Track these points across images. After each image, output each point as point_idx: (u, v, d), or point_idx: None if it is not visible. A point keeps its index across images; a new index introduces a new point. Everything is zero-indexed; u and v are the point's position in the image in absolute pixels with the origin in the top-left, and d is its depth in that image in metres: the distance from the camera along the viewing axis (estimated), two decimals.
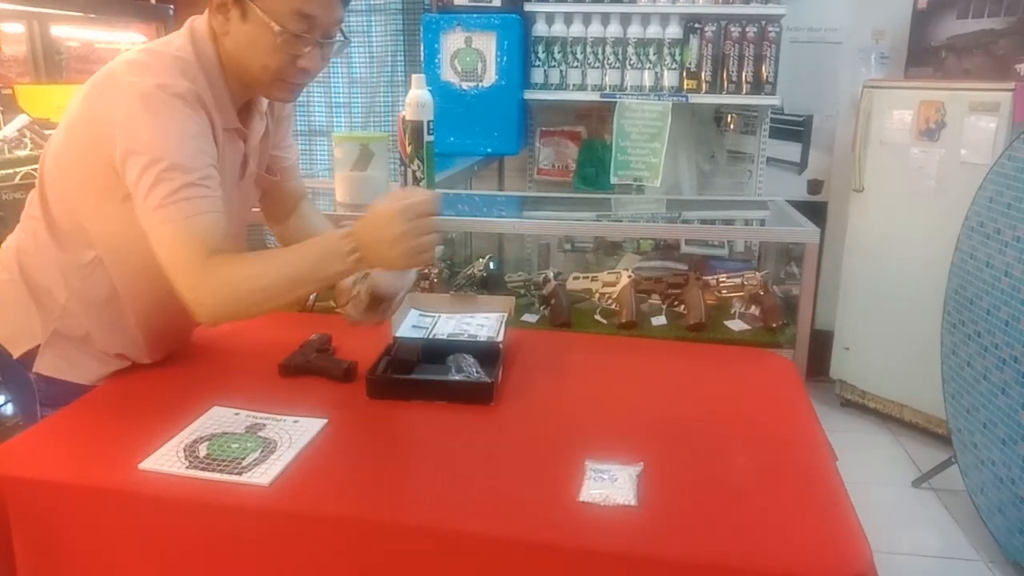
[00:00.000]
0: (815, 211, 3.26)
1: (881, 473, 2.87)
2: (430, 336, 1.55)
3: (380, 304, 1.42)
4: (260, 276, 1.22)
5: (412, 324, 1.61)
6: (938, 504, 2.67)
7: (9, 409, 2.69)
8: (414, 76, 2.01)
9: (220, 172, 1.30)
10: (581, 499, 1.05)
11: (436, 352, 1.46)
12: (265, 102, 1.44)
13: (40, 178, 1.37)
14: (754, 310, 2.09)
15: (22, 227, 1.41)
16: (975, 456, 2.42)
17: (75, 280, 1.35)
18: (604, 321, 2.06)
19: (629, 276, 2.12)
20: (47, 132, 2.60)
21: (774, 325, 2.01)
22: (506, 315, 1.62)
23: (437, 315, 1.65)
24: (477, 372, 1.38)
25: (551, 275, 2.20)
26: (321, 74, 3.41)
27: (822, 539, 1.00)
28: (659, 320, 2.09)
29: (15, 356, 1.37)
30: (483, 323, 1.60)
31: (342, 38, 1.36)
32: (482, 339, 1.53)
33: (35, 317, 1.36)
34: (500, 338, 1.52)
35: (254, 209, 1.61)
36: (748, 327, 2.06)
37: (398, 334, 1.53)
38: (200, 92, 1.26)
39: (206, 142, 1.25)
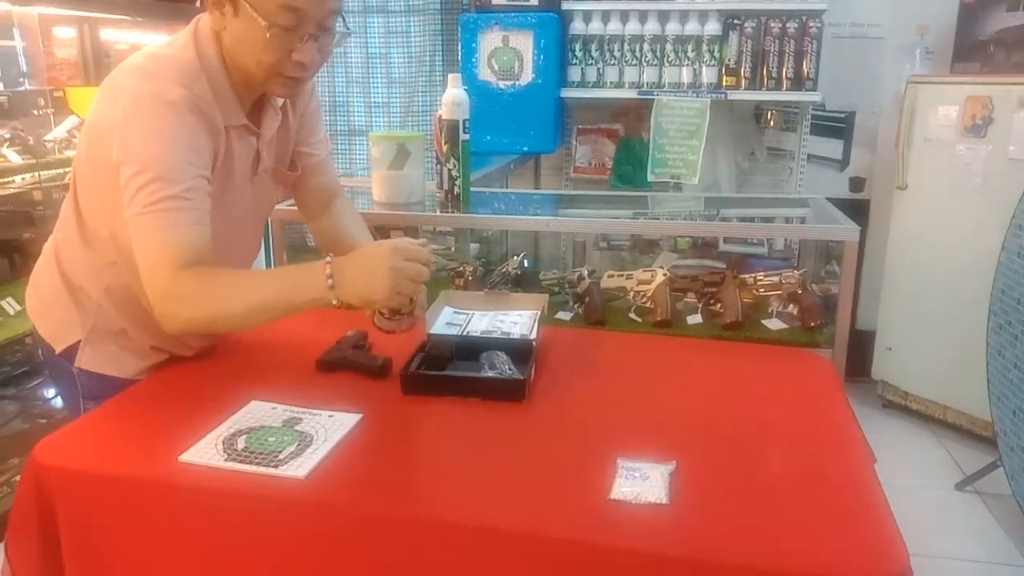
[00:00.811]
0: (857, 209, 3.21)
1: (923, 476, 2.81)
2: (464, 333, 1.56)
3: (401, 312, 1.40)
4: (229, 297, 1.24)
5: (446, 321, 1.62)
6: (983, 508, 2.61)
7: (58, 402, 2.77)
8: (450, 76, 2.03)
9: (229, 169, 1.33)
10: (612, 497, 1.05)
11: (469, 349, 1.47)
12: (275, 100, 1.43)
13: (72, 178, 1.41)
14: (792, 309, 2.07)
15: (59, 226, 1.45)
16: (1022, 459, 2.36)
17: (105, 278, 1.38)
18: (639, 319, 2.06)
19: (664, 274, 2.11)
20: None
21: (812, 324, 1.98)
22: (539, 313, 1.62)
23: (471, 313, 1.66)
24: (510, 369, 1.39)
25: (585, 273, 2.20)
26: (360, 74, 3.48)
27: (857, 542, 0.98)
28: (695, 319, 2.07)
29: (58, 351, 1.42)
30: (516, 320, 1.60)
31: (343, 29, 1.33)
32: (515, 336, 1.54)
33: (74, 314, 1.41)
34: (533, 336, 1.52)
35: (283, 206, 1.61)
36: (786, 326, 2.03)
37: (432, 331, 1.54)
38: (198, 96, 1.26)
39: (196, 153, 1.25)
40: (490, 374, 1.38)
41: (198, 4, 3.21)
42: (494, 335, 1.54)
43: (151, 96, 1.23)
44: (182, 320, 1.26)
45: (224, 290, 1.24)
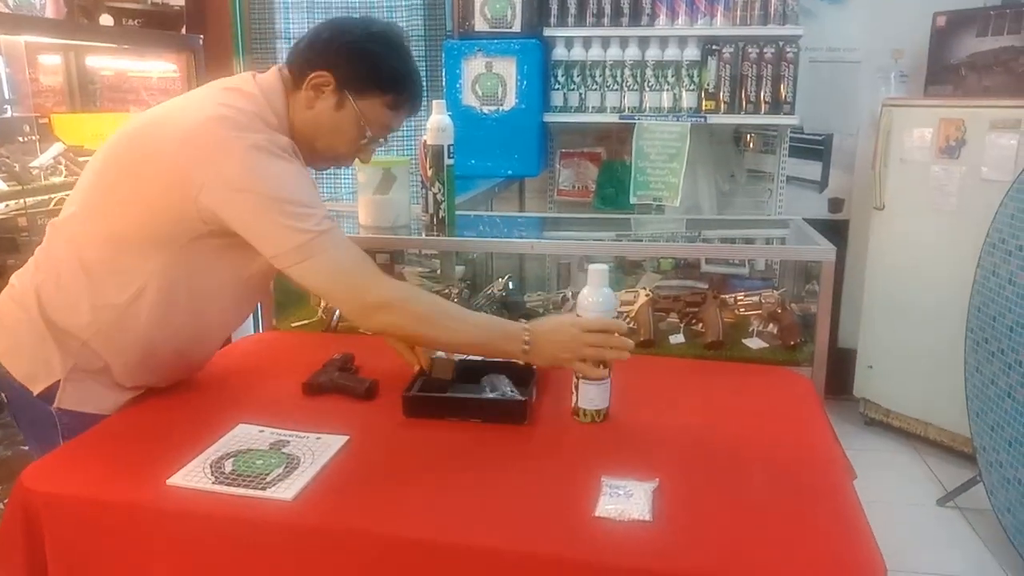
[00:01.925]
0: (836, 229, 3.27)
1: (906, 492, 2.84)
2: (466, 356, 1.57)
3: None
4: (447, 326, 1.37)
5: None
6: (964, 523, 2.64)
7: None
8: (435, 102, 2.06)
9: None
10: (597, 514, 1.07)
11: (471, 372, 1.48)
12: None
13: (70, 221, 1.39)
14: (772, 328, 2.10)
15: (39, 267, 1.41)
16: (1001, 475, 2.39)
17: (106, 317, 1.35)
18: None
19: (647, 295, 2.14)
20: (81, 159, 2.67)
21: (792, 343, 2.01)
22: None
23: None
24: (511, 391, 1.39)
25: (569, 294, 2.22)
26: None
27: (836, 556, 1.01)
28: (677, 338, 2.10)
29: (36, 393, 1.38)
30: None
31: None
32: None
33: (54, 354, 1.37)
34: None
35: None
36: (766, 345, 2.06)
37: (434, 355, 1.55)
38: (293, 146, 1.37)
39: (313, 188, 1.36)
40: (491, 395, 1.39)
41: (183, 32, 3.22)
42: (496, 358, 1.55)
43: (268, 142, 1.30)
44: (395, 327, 1.38)
45: (446, 319, 1.37)
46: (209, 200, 1.28)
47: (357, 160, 1.53)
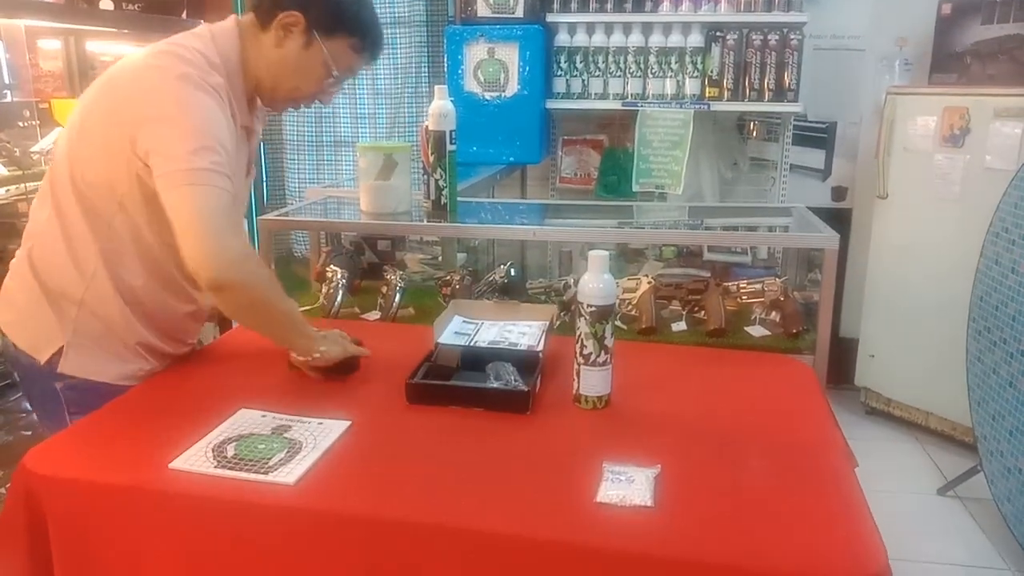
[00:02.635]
0: (839, 218, 3.26)
1: (906, 481, 2.85)
2: (471, 343, 1.57)
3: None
4: (278, 299, 1.39)
5: (454, 331, 1.63)
6: (964, 512, 2.65)
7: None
8: (437, 87, 2.05)
9: (236, 166, 1.40)
10: (598, 500, 1.07)
11: (476, 359, 1.48)
12: (263, 111, 1.56)
13: (51, 178, 1.43)
14: (774, 316, 2.09)
15: (31, 234, 1.46)
16: (1001, 464, 2.39)
17: (91, 272, 1.39)
18: (624, 327, 2.08)
19: (649, 282, 2.13)
20: None
21: (794, 331, 2.01)
22: (548, 324, 1.63)
23: (480, 322, 1.67)
24: (515, 380, 1.39)
25: (571, 281, 2.22)
26: (346, 86, 3.49)
27: (837, 542, 1.01)
28: (679, 326, 2.10)
29: (42, 361, 1.41)
30: (525, 331, 1.62)
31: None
32: (523, 347, 1.54)
33: (54, 321, 1.41)
34: (540, 347, 1.53)
35: (274, 215, 1.66)
36: (768, 333, 2.06)
37: (440, 340, 1.55)
38: (227, 89, 1.39)
39: (229, 138, 1.35)
40: (495, 385, 1.39)
41: (184, 17, 3.22)
42: (502, 345, 1.55)
43: (197, 78, 1.33)
44: (240, 278, 1.31)
45: (277, 294, 1.39)
46: (137, 130, 1.30)
47: (320, 99, 1.53)
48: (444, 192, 2.09)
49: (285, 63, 1.44)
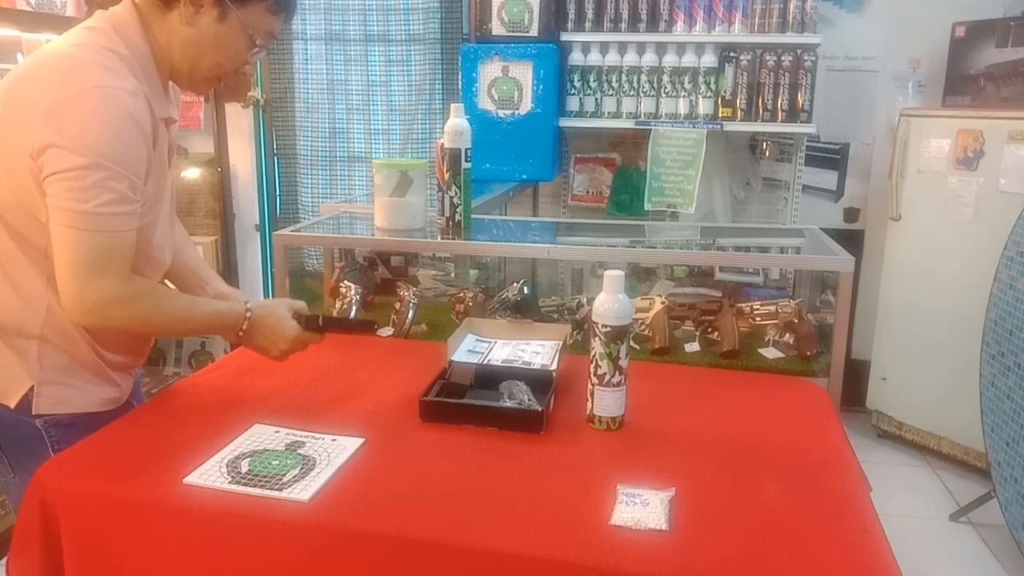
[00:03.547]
0: (851, 239, 3.25)
1: (918, 506, 2.82)
2: (485, 361, 1.57)
3: None
4: (168, 316, 1.35)
5: (468, 349, 1.63)
6: (977, 539, 2.62)
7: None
8: (453, 105, 2.06)
9: (161, 161, 1.33)
10: (612, 522, 1.07)
11: (489, 378, 1.48)
12: (175, 92, 1.44)
13: None
14: (788, 338, 2.09)
15: None
16: (1016, 491, 2.37)
17: (41, 305, 1.30)
18: (637, 347, 2.08)
19: (663, 302, 2.13)
20: None
21: (808, 354, 2.00)
22: (561, 343, 1.63)
23: (493, 341, 1.67)
24: (529, 399, 1.39)
25: (584, 300, 2.22)
26: (361, 102, 3.52)
27: (853, 566, 1.00)
28: (692, 346, 2.09)
29: (12, 406, 1.32)
30: (538, 351, 1.62)
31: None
32: (536, 367, 1.54)
33: (15, 363, 1.32)
34: (554, 366, 1.53)
35: (287, 231, 1.65)
36: (782, 355, 2.05)
37: (454, 358, 1.55)
38: (142, 87, 1.27)
39: (145, 146, 1.25)
40: (509, 404, 1.38)
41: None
42: (515, 364, 1.55)
43: (112, 87, 1.20)
44: (115, 319, 1.28)
45: (167, 309, 1.36)
46: (44, 152, 1.18)
47: (243, 72, 1.42)
48: (459, 209, 2.10)
49: (201, 41, 1.31)
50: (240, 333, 1.42)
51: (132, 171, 1.22)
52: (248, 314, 1.42)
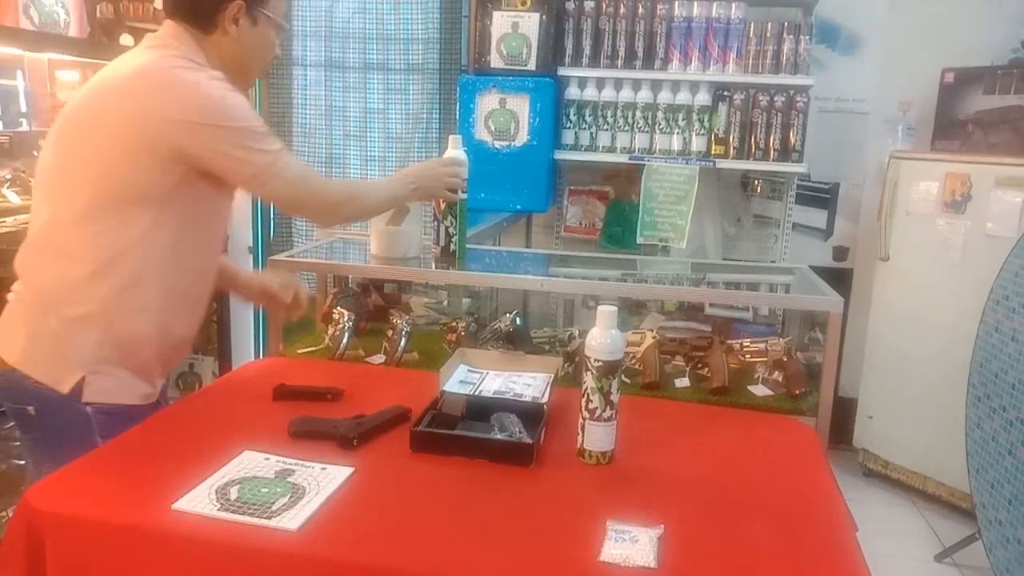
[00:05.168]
0: (840, 278, 3.29)
1: (903, 546, 2.82)
2: (477, 392, 1.58)
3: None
4: (377, 197, 1.75)
5: (459, 379, 1.64)
6: None
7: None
8: (451, 137, 2.08)
9: None
10: (601, 559, 1.07)
11: (481, 409, 1.48)
12: None
13: (67, 194, 1.42)
14: (777, 376, 2.10)
15: (36, 270, 1.45)
16: (1000, 533, 2.38)
17: (106, 292, 1.41)
18: (627, 380, 2.08)
19: (654, 336, 2.15)
20: None
21: (797, 392, 2.02)
22: (552, 376, 1.64)
23: (485, 372, 1.68)
24: (520, 432, 1.39)
25: (576, 332, 2.23)
26: (358, 129, 3.54)
27: None
28: (682, 382, 2.11)
29: (65, 391, 1.41)
30: (529, 383, 1.62)
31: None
32: (527, 399, 1.55)
33: (69, 352, 1.42)
34: (545, 399, 1.54)
35: None
36: (771, 393, 2.07)
37: (445, 388, 1.55)
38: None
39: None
40: (499, 436, 1.39)
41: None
42: (506, 396, 1.56)
43: (217, 77, 1.43)
44: (351, 215, 1.76)
45: (367, 187, 1.82)
46: (176, 136, 1.36)
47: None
48: (454, 239, 2.11)
49: (248, 48, 1.51)
50: (412, 185, 1.79)
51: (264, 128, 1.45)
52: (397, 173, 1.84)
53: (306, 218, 1.53)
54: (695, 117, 3.09)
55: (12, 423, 1.53)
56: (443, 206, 2.09)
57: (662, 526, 1.14)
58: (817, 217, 3.52)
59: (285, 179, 1.46)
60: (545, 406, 1.50)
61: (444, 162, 1.92)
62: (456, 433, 1.42)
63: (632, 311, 3.11)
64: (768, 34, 3.03)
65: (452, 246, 2.11)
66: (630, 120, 3.14)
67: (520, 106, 3.09)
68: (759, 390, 2.07)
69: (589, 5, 3.13)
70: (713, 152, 3.11)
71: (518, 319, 2.15)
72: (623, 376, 2.11)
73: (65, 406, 1.42)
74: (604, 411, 1.34)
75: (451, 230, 2.10)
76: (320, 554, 1.07)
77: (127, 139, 1.36)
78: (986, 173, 2.84)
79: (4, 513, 2.37)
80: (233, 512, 1.14)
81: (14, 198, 2.62)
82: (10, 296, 1.48)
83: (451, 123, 3.36)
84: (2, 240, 2.69)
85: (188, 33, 1.47)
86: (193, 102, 1.37)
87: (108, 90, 1.41)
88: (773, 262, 3.29)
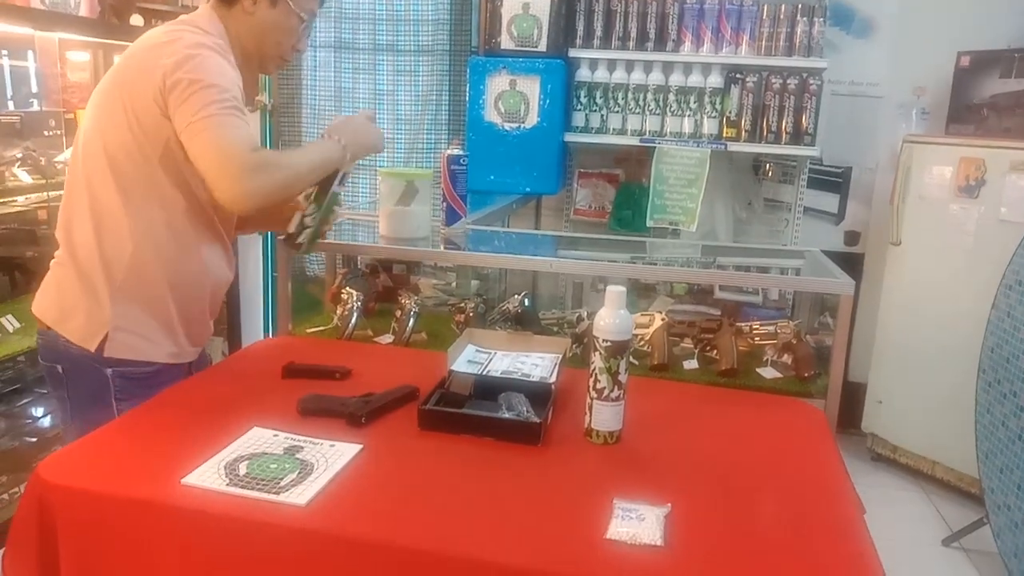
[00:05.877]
0: (851, 262, 3.27)
1: (911, 530, 2.82)
2: (485, 372, 1.58)
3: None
4: (296, 162, 1.53)
5: (468, 359, 1.64)
6: (968, 565, 2.62)
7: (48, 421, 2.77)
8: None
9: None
10: (608, 536, 1.07)
11: (489, 389, 1.48)
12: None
13: (95, 158, 1.48)
14: (786, 359, 2.10)
15: (75, 226, 1.52)
16: (1008, 518, 2.37)
17: (143, 236, 1.48)
18: (636, 362, 2.08)
19: (663, 319, 2.14)
20: None
21: (806, 375, 2.01)
22: (561, 356, 1.64)
23: (493, 352, 1.68)
24: (528, 411, 1.39)
25: (584, 314, 2.23)
26: (369, 111, 3.53)
27: None
28: (691, 364, 2.10)
29: (92, 350, 1.48)
30: (537, 363, 1.62)
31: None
32: (535, 379, 1.55)
33: (95, 308, 1.48)
34: (553, 379, 1.54)
35: None
36: (780, 375, 2.06)
37: (453, 368, 1.56)
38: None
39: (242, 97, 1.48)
40: (507, 415, 1.39)
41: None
42: (514, 376, 1.56)
43: (212, 43, 1.47)
44: (266, 186, 1.44)
45: (291, 158, 1.55)
46: (163, 85, 1.41)
47: (297, 48, 1.66)
48: (306, 232, 1.95)
49: (264, 26, 1.57)
50: (341, 145, 1.60)
51: (239, 94, 1.45)
52: (323, 132, 1.65)
53: (227, 192, 1.35)
54: (707, 100, 3.07)
55: (47, 388, 1.63)
56: (311, 192, 1.73)
57: (669, 505, 1.15)
58: (829, 201, 3.49)
59: (214, 134, 1.40)
60: (553, 386, 1.50)
61: (360, 114, 1.77)
62: (464, 412, 1.42)
63: (641, 294, 3.10)
64: (781, 16, 3.00)
65: (300, 237, 1.73)
66: (641, 102, 3.12)
67: (530, 88, 3.08)
68: (768, 372, 2.06)
69: None
70: (725, 135, 3.09)
71: (526, 300, 2.15)
72: (632, 358, 2.12)
73: (90, 367, 1.49)
74: (612, 391, 1.34)
75: (308, 220, 1.73)
76: (328, 529, 1.08)
77: (144, 95, 1.43)
78: (1001, 157, 2.81)
79: (16, 489, 2.40)
80: (242, 487, 1.15)
81: (25, 177, 2.64)
82: (52, 262, 1.57)
83: (461, 105, 3.35)
84: (15, 219, 2.71)
85: (216, 13, 1.56)
86: (178, 53, 1.43)
87: (129, 55, 1.52)
88: (784, 246, 3.27)
